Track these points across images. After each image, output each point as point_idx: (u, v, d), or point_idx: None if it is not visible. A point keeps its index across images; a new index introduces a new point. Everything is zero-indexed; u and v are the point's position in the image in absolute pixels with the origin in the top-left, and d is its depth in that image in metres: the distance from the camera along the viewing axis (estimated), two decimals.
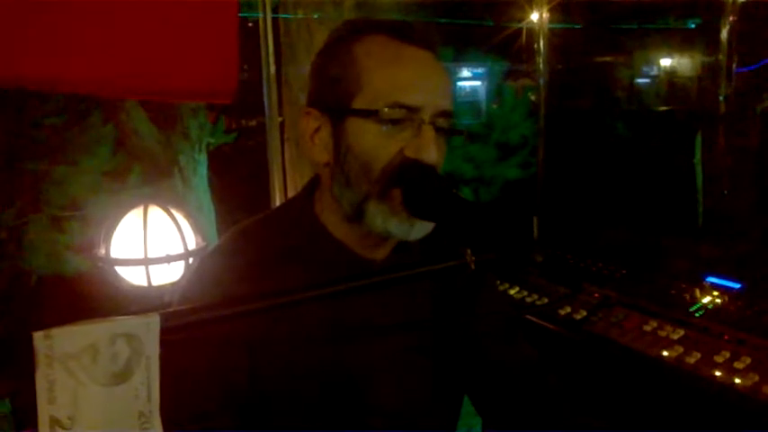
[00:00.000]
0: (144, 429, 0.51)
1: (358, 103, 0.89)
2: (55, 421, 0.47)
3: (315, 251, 0.97)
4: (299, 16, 1.69)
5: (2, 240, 4.10)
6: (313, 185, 1.03)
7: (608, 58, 7.44)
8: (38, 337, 0.47)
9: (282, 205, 1.18)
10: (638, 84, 7.37)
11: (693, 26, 6.67)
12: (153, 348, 0.51)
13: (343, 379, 0.95)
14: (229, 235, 1.01)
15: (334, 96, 0.92)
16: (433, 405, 1.05)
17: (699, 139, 5.06)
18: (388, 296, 0.95)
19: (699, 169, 4.97)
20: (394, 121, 0.88)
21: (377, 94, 0.88)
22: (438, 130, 0.90)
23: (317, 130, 0.94)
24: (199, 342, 0.81)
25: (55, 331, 0.47)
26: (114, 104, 3.82)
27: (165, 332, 0.53)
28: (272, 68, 1.64)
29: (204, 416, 0.87)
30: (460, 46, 6.93)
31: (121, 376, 0.50)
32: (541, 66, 2.29)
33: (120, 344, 0.50)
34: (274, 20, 1.66)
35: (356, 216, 0.92)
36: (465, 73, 8.47)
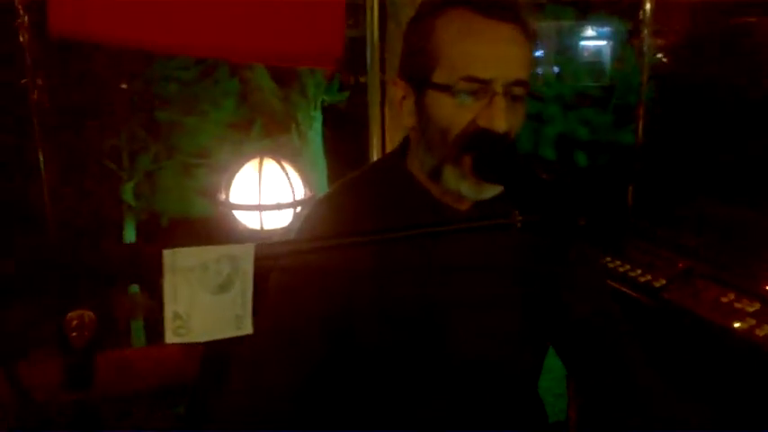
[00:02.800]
0: (239, 328, 0.67)
1: (436, 77, 0.98)
2: (176, 315, 0.64)
3: (408, 202, 1.07)
4: None
5: (139, 183, 4.57)
6: (405, 144, 1.14)
7: (752, 19, 6.87)
8: (166, 253, 0.63)
9: (380, 160, 1.29)
10: None
11: None
12: (248, 268, 0.67)
13: (430, 315, 1.04)
14: (335, 187, 1.14)
15: (417, 69, 1.01)
16: (515, 352, 1.11)
17: None
18: (472, 244, 1.06)
19: None
20: (467, 93, 0.96)
21: (452, 67, 0.96)
22: (512, 98, 0.97)
23: (404, 98, 1.05)
24: (304, 270, 0.99)
25: (178, 250, 0.64)
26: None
27: (260, 259, 0.69)
28: (376, 32, 1.75)
29: (303, 334, 1.02)
30: (586, 5, 6.68)
31: (224, 287, 0.66)
32: (645, 30, 2.24)
33: (224, 263, 0.66)
34: None
35: (435, 176, 1.03)
36: (589, 32, 8.15)
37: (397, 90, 1.05)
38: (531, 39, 1.01)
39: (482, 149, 0.96)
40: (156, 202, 4.61)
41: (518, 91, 0.98)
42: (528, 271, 1.11)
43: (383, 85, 1.81)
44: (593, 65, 7.87)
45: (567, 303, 1.14)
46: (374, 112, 1.78)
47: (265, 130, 4.39)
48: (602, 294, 1.18)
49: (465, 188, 1.00)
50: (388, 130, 1.89)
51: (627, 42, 6.74)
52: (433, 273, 1.05)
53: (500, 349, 1.09)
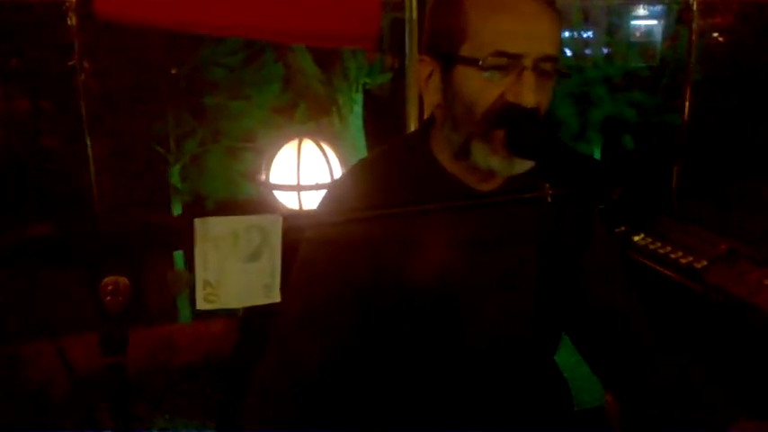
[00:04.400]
0: (267, 296, 0.69)
1: (464, 51, 0.98)
2: (206, 283, 0.67)
3: (429, 183, 1.08)
4: None
5: (185, 166, 4.67)
6: (429, 123, 1.14)
7: None
8: (198, 222, 0.66)
9: (401, 140, 1.29)
10: None
11: None
12: (277, 238, 0.69)
13: (451, 293, 1.06)
14: (354, 167, 1.15)
15: (443, 44, 1.00)
16: (531, 332, 1.13)
17: None
18: (496, 222, 1.06)
19: None
20: (496, 68, 0.96)
21: (481, 42, 0.96)
22: (541, 73, 0.97)
23: (430, 75, 1.04)
24: (331, 244, 1.00)
25: (209, 219, 0.66)
26: (283, 45, 4.13)
27: (289, 231, 0.71)
28: (414, 13, 1.75)
29: (332, 307, 1.04)
30: None
31: (254, 256, 0.68)
32: (695, 6, 2.17)
33: (254, 233, 0.68)
34: None
35: (463, 154, 1.03)
36: (641, 11, 7.92)
37: (424, 66, 1.05)
38: (559, 15, 1.01)
39: (513, 124, 0.96)
40: (202, 185, 4.71)
41: (547, 66, 0.97)
42: (549, 251, 1.11)
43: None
44: (644, 45, 7.66)
45: (585, 286, 1.15)
46: (411, 92, 1.78)
47: (308, 114, 4.43)
48: (619, 280, 1.19)
49: (496, 163, 1.00)
50: (425, 113, 1.89)
51: (679, 21, 6.53)
52: (456, 251, 1.05)
53: (519, 328, 1.10)
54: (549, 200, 0.83)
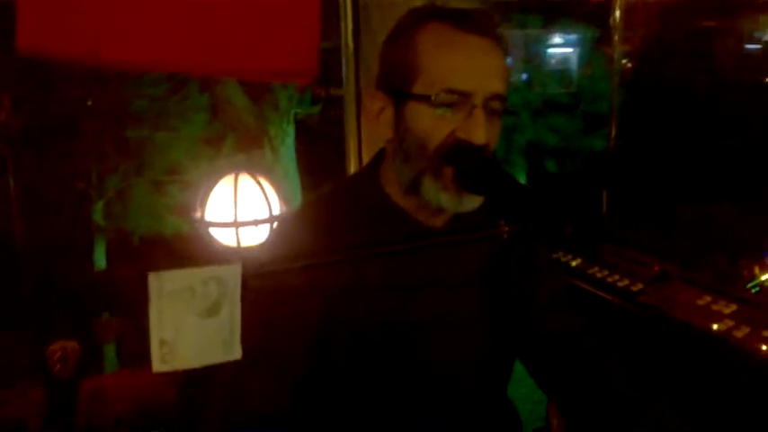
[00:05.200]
0: (227, 353, 0.66)
1: (416, 88, 0.99)
2: (163, 342, 0.63)
3: (380, 219, 1.08)
4: None
5: (109, 202, 4.48)
6: (378, 158, 1.14)
7: (711, 23, 7.05)
8: (152, 277, 0.62)
9: (351, 176, 1.30)
10: (747, 50, 6.95)
11: None
12: (236, 290, 0.66)
13: (401, 333, 1.06)
14: (303, 204, 1.15)
15: (396, 81, 1.02)
16: (485, 366, 1.15)
17: None
18: (445, 260, 1.07)
19: None
20: (447, 105, 0.97)
21: (433, 79, 0.97)
22: (490, 112, 0.99)
23: (382, 110, 1.05)
24: (282, 292, 0.97)
25: (164, 273, 0.62)
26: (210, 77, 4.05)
27: (246, 279, 0.68)
28: (351, 44, 1.75)
29: (283, 356, 1.02)
30: (552, 12, 6.79)
31: (212, 311, 0.65)
32: (616, 36, 2.28)
33: (212, 285, 0.65)
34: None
35: (413, 189, 1.04)
36: (556, 40, 8.25)
37: (375, 102, 1.06)
38: (506, 53, 1.04)
39: (463, 161, 0.97)
40: (127, 221, 4.53)
41: (496, 105, 1.00)
42: (498, 285, 1.13)
43: (359, 97, 1.81)
44: (561, 72, 7.97)
45: (534, 316, 1.17)
46: (350, 125, 1.78)
47: (238, 145, 4.35)
48: (568, 306, 1.22)
49: (445, 200, 1.01)
50: (364, 144, 1.89)
51: (594, 49, 6.85)
52: (408, 289, 1.06)
53: (472, 361, 1.12)
54: (505, 237, 0.83)
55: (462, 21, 1.00)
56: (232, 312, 0.66)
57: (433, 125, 0.99)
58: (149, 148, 4.42)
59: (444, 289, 1.09)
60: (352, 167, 1.82)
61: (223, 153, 4.49)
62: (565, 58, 8.32)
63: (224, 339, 0.65)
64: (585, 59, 7.12)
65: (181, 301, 0.63)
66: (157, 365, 0.62)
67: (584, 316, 1.21)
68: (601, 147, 6.08)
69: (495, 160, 1.00)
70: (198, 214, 2.08)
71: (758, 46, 7.00)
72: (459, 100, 0.97)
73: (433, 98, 0.97)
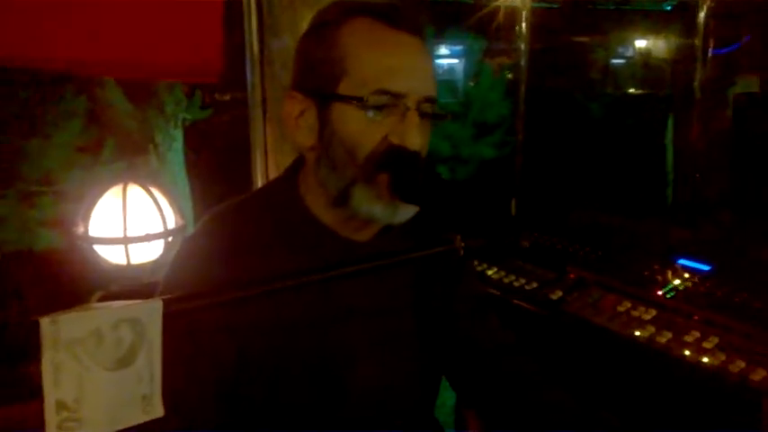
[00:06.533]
0: (146, 411, 0.52)
1: (343, 89, 0.89)
2: (61, 405, 0.48)
3: (298, 233, 0.97)
4: None
5: None
6: (296, 167, 1.03)
7: (583, 39, 7.48)
8: (45, 322, 0.47)
9: (265, 186, 1.18)
10: (613, 65, 7.44)
11: (669, 8, 6.73)
12: (155, 332, 0.53)
13: (325, 363, 0.96)
14: (210, 217, 1.01)
15: (319, 80, 0.92)
16: (412, 387, 1.07)
17: (670, 121, 5.15)
18: (372, 280, 0.97)
19: (669, 151, 5.07)
20: (379, 108, 0.88)
21: (362, 79, 0.88)
22: (422, 115, 0.92)
23: (302, 113, 0.94)
24: (187, 327, 0.83)
25: (61, 317, 0.48)
26: (87, 77, 3.73)
27: (165, 318, 0.54)
28: (256, 46, 1.62)
29: (190, 394, 0.88)
30: (439, 23, 6.91)
31: (125, 361, 0.51)
32: (523, 46, 2.29)
33: (124, 328, 0.51)
34: None
35: (341, 200, 0.93)
36: (443, 51, 8.42)
37: (294, 104, 0.95)
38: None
39: (399, 168, 0.89)
40: None
41: (428, 108, 0.93)
42: (424, 300, 1.06)
43: (263, 103, 1.68)
44: (449, 82, 8.15)
45: (459, 327, 1.12)
46: (257, 130, 1.64)
47: (119, 152, 4.03)
48: (491, 315, 1.18)
49: (379, 210, 0.92)
50: (270, 151, 1.76)
51: (481, 60, 7.05)
52: (331, 315, 0.96)
53: (399, 382, 1.04)
54: (462, 253, 0.75)
55: (392, 17, 0.92)
56: (151, 359, 0.52)
57: (363, 129, 0.90)
58: (18, 156, 4.01)
59: (368, 314, 1.01)
60: (259, 176, 1.68)
61: (102, 160, 4.15)
62: (451, 69, 8.52)
63: (143, 394, 0.52)
64: (472, 69, 7.31)
65: (84, 352, 0.49)
66: None
67: (506, 325, 1.18)
68: (490, 154, 6.31)
69: (433, 167, 0.92)
70: (80, 229, 1.85)
71: (623, 61, 7.51)
72: (391, 102, 0.89)
73: (364, 100, 0.88)
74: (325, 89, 0.91)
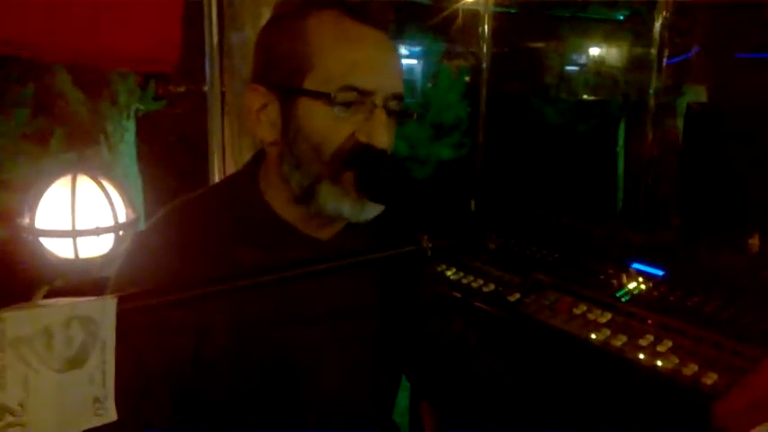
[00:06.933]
0: (98, 415, 0.49)
1: (309, 83, 0.87)
2: (4, 408, 0.45)
3: (258, 229, 0.95)
4: None
5: None
6: (257, 162, 1.00)
7: (539, 44, 7.61)
8: None
9: (224, 181, 1.15)
10: (567, 72, 7.58)
11: (622, 18, 6.90)
12: (109, 332, 0.50)
13: (284, 363, 0.95)
14: (167, 211, 0.97)
15: (283, 74, 0.89)
16: (372, 388, 1.06)
17: (622, 127, 5.28)
18: (335, 279, 0.95)
19: (621, 157, 5.20)
20: (346, 104, 0.87)
21: (329, 75, 0.86)
22: (389, 113, 0.90)
23: (264, 106, 0.92)
24: (145, 324, 0.79)
25: (7, 314, 0.45)
26: (34, 64, 3.59)
27: (118, 315, 0.51)
28: (216, 38, 1.58)
29: (144, 394, 0.85)
30: (398, 23, 6.92)
31: (76, 361, 0.48)
32: (485, 48, 2.30)
33: (75, 327, 0.48)
34: None
35: (306, 197, 0.91)
36: (402, 51, 8.44)
37: (256, 97, 0.92)
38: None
39: (366, 166, 0.87)
40: None
41: (394, 105, 0.92)
42: (385, 298, 1.05)
43: (222, 96, 1.64)
44: (407, 83, 8.17)
45: (419, 324, 1.12)
46: (214, 124, 1.60)
47: (69, 143, 3.89)
48: (448, 308, 1.19)
49: (346, 208, 0.90)
50: (227, 146, 1.72)
51: (440, 61, 7.09)
52: (291, 314, 0.94)
53: (359, 381, 1.03)
54: (430, 253, 0.74)
55: (359, 11, 0.90)
56: (104, 359, 0.49)
57: (329, 126, 0.88)
58: None
59: (334, 310, 0.99)
60: (216, 170, 1.64)
61: (50, 150, 4.00)
62: (410, 69, 8.55)
63: (95, 397, 0.49)
64: (430, 71, 7.36)
65: (32, 352, 0.46)
66: None
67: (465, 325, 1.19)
68: (447, 155, 6.35)
69: (401, 164, 0.91)
70: (26, 220, 1.77)
71: (576, 68, 7.68)
72: (358, 99, 0.87)
73: (332, 96, 0.86)
74: (290, 83, 0.89)
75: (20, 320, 0.45)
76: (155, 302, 0.55)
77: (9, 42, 1.19)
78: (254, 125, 0.94)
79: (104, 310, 0.49)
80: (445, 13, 6.33)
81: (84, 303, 0.48)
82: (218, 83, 1.59)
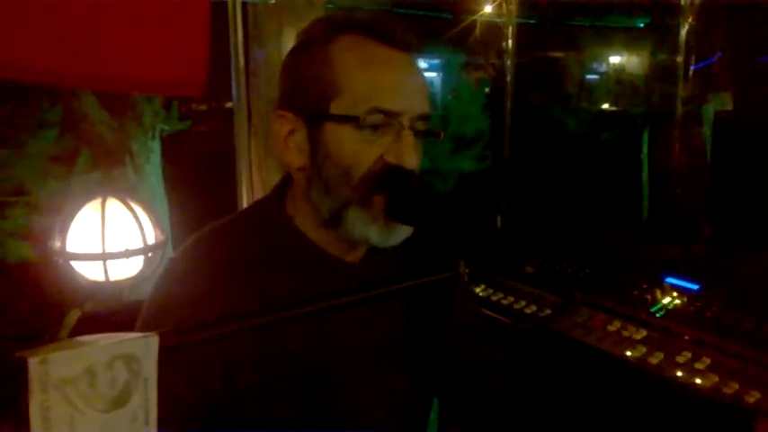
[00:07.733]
0: None
1: (336, 108, 0.87)
2: None
3: (289, 254, 0.95)
4: (270, 2, 1.63)
5: None
6: (284, 186, 1.01)
7: (559, 54, 7.57)
8: (33, 362, 0.44)
9: (252, 206, 1.14)
10: (588, 81, 7.53)
11: (642, 25, 6.84)
12: (151, 369, 0.49)
13: (316, 390, 0.93)
14: (197, 237, 0.98)
15: (309, 99, 0.89)
16: (406, 414, 1.05)
17: (645, 136, 5.22)
18: (367, 307, 0.95)
19: (645, 164, 5.13)
20: (374, 127, 0.86)
21: (355, 98, 0.86)
22: (417, 133, 0.90)
23: (291, 132, 0.92)
24: (177, 357, 0.79)
25: (51, 356, 0.44)
26: (60, 86, 3.66)
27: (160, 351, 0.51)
28: (242, 59, 1.59)
29: (178, 426, 0.84)
30: (418, 37, 6.94)
31: (120, 401, 0.47)
32: (509, 61, 2.29)
33: (119, 366, 0.47)
34: (243, 5, 1.61)
35: (334, 222, 0.91)
36: (422, 64, 8.46)
37: (283, 123, 0.92)
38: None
39: (396, 189, 0.87)
40: None
41: (421, 126, 0.91)
42: (417, 320, 1.03)
43: (250, 115, 1.65)
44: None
45: (451, 346, 1.09)
46: (242, 144, 1.60)
47: (95, 163, 3.94)
48: (483, 334, 1.16)
49: (374, 233, 0.90)
50: (254, 165, 1.72)
51: (460, 74, 7.08)
52: (322, 342, 0.93)
53: (393, 408, 1.01)
54: (466, 279, 0.73)
55: (383, 34, 0.90)
56: (147, 398, 0.49)
57: (358, 150, 0.87)
58: None
59: (365, 337, 0.98)
60: (244, 190, 1.65)
61: (76, 171, 4.06)
62: (430, 82, 8.54)
63: None
64: (451, 83, 7.35)
65: (76, 393, 0.45)
66: None
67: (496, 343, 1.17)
68: (468, 167, 6.33)
69: (431, 186, 0.90)
70: (57, 243, 1.79)
71: (597, 77, 7.61)
72: (385, 121, 0.87)
73: (360, 119, 0.85)
74: (317, 109, 0.89)
75: (64, 361, 0.45)
76: (196, 338, 0.54)
77: (31, 68, 1.20)
78: (281, 151, 0.94)
79: (147, 348, 0.49)
80: (463, 25, 6.32)
81: (126, 341, 0.48)
82: (245, 103, 1.60)
